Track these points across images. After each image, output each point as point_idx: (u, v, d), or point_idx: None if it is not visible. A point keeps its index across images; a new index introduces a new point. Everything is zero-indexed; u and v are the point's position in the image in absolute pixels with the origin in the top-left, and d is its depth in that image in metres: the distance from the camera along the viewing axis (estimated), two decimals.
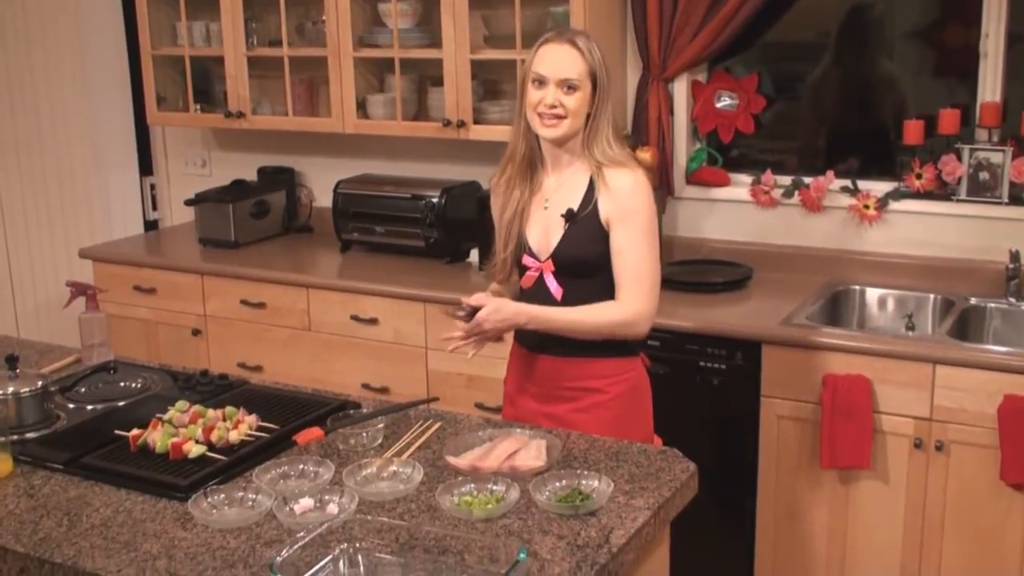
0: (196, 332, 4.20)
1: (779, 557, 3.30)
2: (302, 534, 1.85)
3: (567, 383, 2.52)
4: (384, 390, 3.83)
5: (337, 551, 1.84)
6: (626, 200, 2.44)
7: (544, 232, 2.52)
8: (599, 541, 1.90)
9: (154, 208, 5.08)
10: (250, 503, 2.06)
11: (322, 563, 1.80)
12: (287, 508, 2.00)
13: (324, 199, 4.53)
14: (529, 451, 2.22)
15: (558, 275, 2.50)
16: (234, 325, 4.13)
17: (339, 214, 4.23)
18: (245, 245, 4.39)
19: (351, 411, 2.45)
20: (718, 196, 3.92)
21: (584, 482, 2.09)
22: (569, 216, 2.48)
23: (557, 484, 2.09)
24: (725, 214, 3.91)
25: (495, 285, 2.67)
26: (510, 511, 2.00)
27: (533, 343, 2.58)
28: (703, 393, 3.28)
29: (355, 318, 3.85)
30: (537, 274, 2.52)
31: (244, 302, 4.08)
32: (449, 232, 4.01)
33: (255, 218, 4.46)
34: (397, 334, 3.79)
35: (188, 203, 4.47)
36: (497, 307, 2.44)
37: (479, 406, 3.57)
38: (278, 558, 1.75)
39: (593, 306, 2.47)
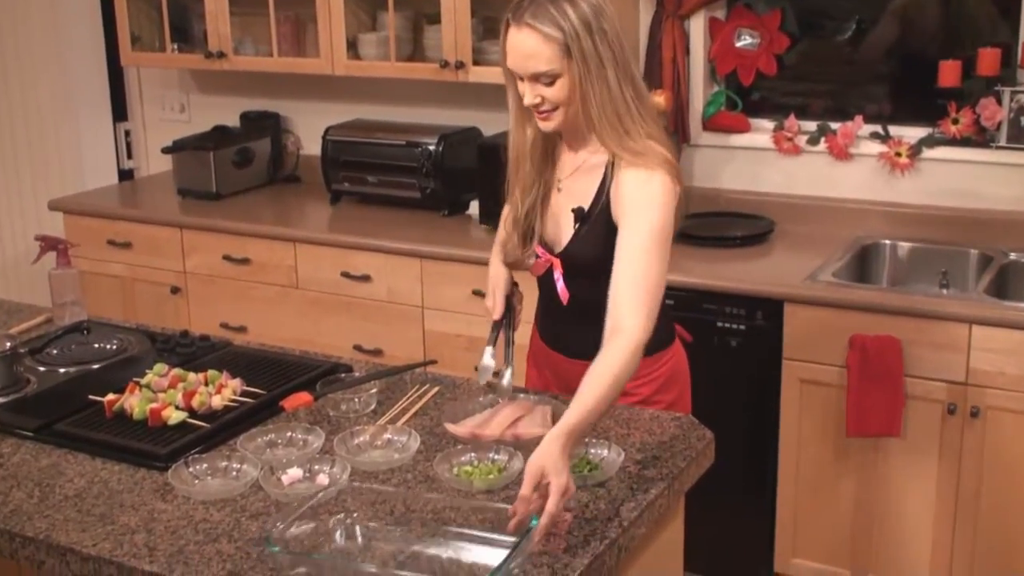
0: (175, 290, 4.20)
1: (801, 532, 3.32)
2: (296, 504, 1.85)
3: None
4: (377, 352, 3.84)
5: (333, 522, 1.85)
6: (635, 197, 2.19)
7: (555, 222, 2.38)
8: (609, 514, 1.91)
9: (129, 156, 5.06)
10: (234, 473, 2.06)
11: (319, 534, 1.82)
12: (274, 478, 2.01)
13: (312, 146, 4.51)
14: (533, 418, 2.22)
15: (566, 276, 2.36)
16: (216, 282, 4.13)
17: (328, 163, 4.22)
18: (227, 196, 4.38)
19: (342, 375, 2.45)
20: (737, 143, 3.90)
21: (592, 451, 2.10)
22: (580, 215, 2.31)
23: None
24: (745, 163, 3.89)
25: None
26: (513, 482, 2.01)
27: (546, 334, 2.50)
28: (720, 356, 3.28)
29: (346, 275, 3.85)
30: (547, 266, 2.40)
31: (227, 258, 4.07)
32: (447, 182, 4.00)
33: (238, 167, 4.44)
34: (391, 292, 3.78)
35: (165, 151, 4.46)
36: (545, 464, 1.84)
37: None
38: (275, 530, 1.76)
39: (607, 364, 2.03)
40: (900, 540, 3.20)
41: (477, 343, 3.61)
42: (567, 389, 2.36)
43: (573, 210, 2.32)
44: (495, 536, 1.80)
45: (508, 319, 2.44)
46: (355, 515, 1.87)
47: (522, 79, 2.22)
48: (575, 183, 2.34)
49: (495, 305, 2.44)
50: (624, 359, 2.05)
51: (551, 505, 1.80)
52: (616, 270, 2.14)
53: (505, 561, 1.68)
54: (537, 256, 2.41)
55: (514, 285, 2.49)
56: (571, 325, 2.41)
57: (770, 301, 3.20)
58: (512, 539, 1.75)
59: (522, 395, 2.34)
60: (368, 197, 4.20)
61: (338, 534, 1.85)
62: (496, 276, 2.49)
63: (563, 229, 2.36)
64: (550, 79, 2.19)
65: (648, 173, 2.20)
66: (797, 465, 3.27)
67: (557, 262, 2.37)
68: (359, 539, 1.86)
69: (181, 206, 4.34)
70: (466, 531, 1.83)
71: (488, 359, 2.35)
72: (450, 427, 2.20)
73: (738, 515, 3.38)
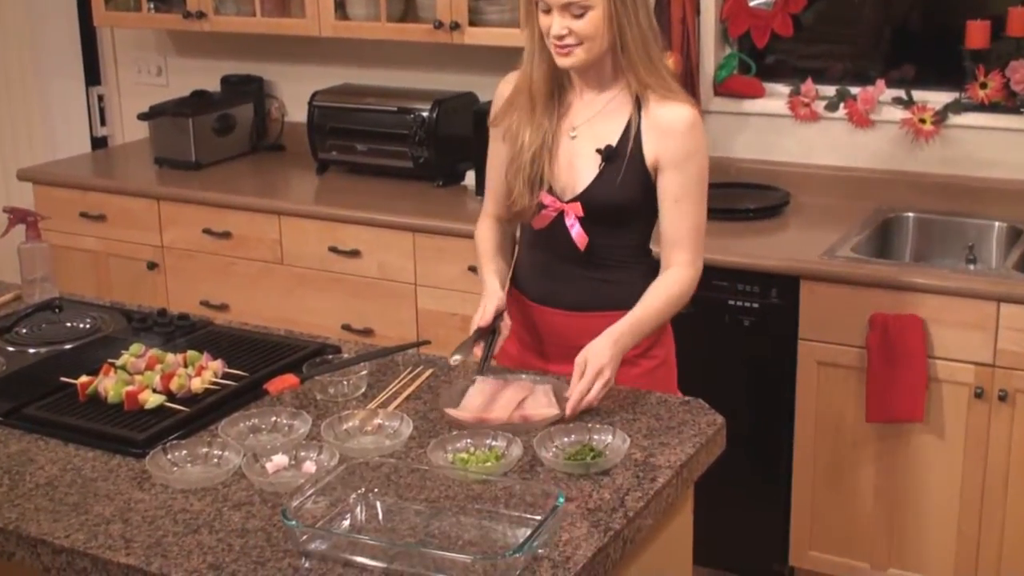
0: (152, 266, 4.20)
1: (818, 522, 3.33)
2: (309, 480, 1.91)
3: (587, 341, 2.31)
4: (367, 332, 3.84)
5: (353, 497, 1.89)
6: (684, 141, 2.35)
7: (568, 166, 2.42)
8: (613, 504, 1.91)
9: (102, 123, 5.05)
10: (215, 460, 2.07)
11: (337, 510, 1.87)
12: (258, 466, 2.01)
13: (298, 113, 4.49)
14: (537, 398, 2.23)
15: (586, 221, 2.40)
16: (195, 258, 4.12)
17: (315, 130, 4.21)
18: (207, 166, 4.37)
19: (330, 356, 2.45)
20: (751, 109, 3.89)
21: (596, 437, 2.10)
22: (608, 154, 2.38)
23: (565, 439, 2.10)
24: (759, 130, 3.89)
25: (498, 291, 2.46)
26: (511, 469, 2.01)
27: (533, 290, 2.52)
28: (732, 335, 3.29)
29: (334, 250, 3.85)
30: (555, 215, 2.42)
31: (207, 231, 4.07)
32: (441, 151, 3.99)
33: (218, 135, 4.43)
34: (382, 268, 3.78)
35: (141, 117, 4.44)
36: (591, 352, 2.24)
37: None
38: (293, 504, 1.81)
39: (664, 283, 2.39)
40: (923, 532, 3.21)
41: (470, 321, 3.62)
42: (561, 347, 2.44)
43: (599, 150, 2.38)
44: (518, 514, 1.83)
45: (491, 339, 2.39)
46: (375, 490, 1.91)
47: (548, 10, 2.31)
48: (594, 128, 2.41)
49: (483, 315, 2.39)
50: (681, 287, 2.38)
51: (582, 383, 2.18)
52: (672, 212, 2.37)
53: (529, 539, 1.71)
54: (544, 206, 2.42)
55: (499, 316, 2.42)
56: (576, 276, 2.45)
57: (785, 278, 3.20)
58: (537, 517, 1.79)
59: (524, 376, 2.34)
60: (357, 167, 4.19)
61: (358, 509, 1.89)
62: (492, 294, 2.44)
63: (581, 173, 2.41)
64: (582, 10, 2.29)
65: (685, 104, 2.36)
66: (813, 452, 3.28)
67: (576, 207, 2.40)
68: (379, 515, 1.89)
69: (158, 176, 4.33)
70: (489, 508, 1.86)
71: (456, 359, 2.32)
72: (451, 412, 2.21)
73: (751, 505, 3.39)
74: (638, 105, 2.37)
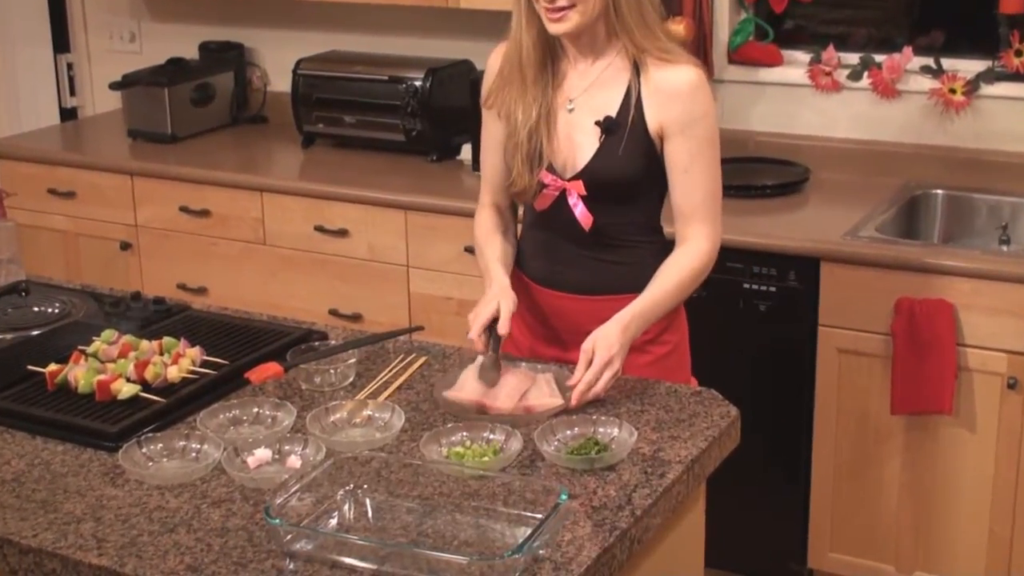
0: (125, 246, 4.20)
1: (839, 520, 3.33)
2: (294, 476, 1.90)
3: (595, 327, 2.32)
4: (356, 317, 3.84)
5: (340, 494, 1.90)
6: (688, 104, 2.34)
7: (567, 142, 2.42)
8: (620, 501, 1.91)
9: (72, 93, 5.04)
10: (193, 454, 2.07)
11: (324, 507, 1.88)
12: (239, 460, 2.02)
13: (281, 82, 4.49)
14: (540, 388, 2.24)
15: (589, 199, 2.39)
16: (172, 237, 4.12)
17: (300, 101, 4.20)
18: (184, 139, 4.36)
19: (316, 343, 2.45)
20: (768, 78, 3.88)
21: (601, 430, 2.11)
22: (608, 126, 2.37)
23: (568, 432, 2.10)
24: (776, 101, 3.88)
25: (503, 279, 2.43)
26: (510, 464, 2.02)
27: (537, 272, 2.52)
28: (748, 321, 3.29)
29: (320, 229, 3.85)
30: (556, 194, 2.42)
31: (184, 209, 4.06)
32: (436, 123, 3.98)
33: (196, 105, 4.43)
34: (372, 249, 3.78)
35: (114, 87, 4.44)
36: (599, 339, 2.25)
37: (473, 344, 3.57)
38: (276, 501, 1.81)
39: (678, 260, 2.39)
40: (952, 533, 3.22)
41: (468, 307, 3.61)
42: (569, 332, 2.45)
43: (598, 122, 2.38)
44: (518, 512, 1.84)
45: (497, 339, 2.33)
46: (364, 486, 1.92)
47: None
48: (592, 99, 2.40)
49: (503, 321, 2.33)
50: (697, 262, 2.39)
51: (588, 373, 2.20)
52: (683, 182, 2.37)
53: (529, 539, 1.71)
54: (545, 186, 2.42)
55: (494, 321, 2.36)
56: (582, 257, 2.45)
57: (805, 259, 3.20)
58: (538, 516, 1.79)
59: (524, 364, 2.35)
60: (345, 140, 4.19)
61: (346, 507, 1.89)
62: (504, 291, 2.39)
63: (581, 148, 2.41)
64: None
65: (686, 66, 2.35)
66: (834, 447, 3.29)
67: (577, 184, 2.39)
68: (369, 513, 1.90)
69: (132, 150, 4.32)
70: (486, 505, 1.87)
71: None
72: (450, 394, 2.21)
73: (767, 503, 3.39)
74: (636, 71, 2.37)
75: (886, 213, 3.40)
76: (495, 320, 2.32)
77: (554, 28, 2.33)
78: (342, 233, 3.82)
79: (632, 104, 2.37)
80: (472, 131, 3.84)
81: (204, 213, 4.04)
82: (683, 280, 2.39)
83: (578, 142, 2.41)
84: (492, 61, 2.51)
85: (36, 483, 2.00)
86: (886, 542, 3.29)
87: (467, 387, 2.24)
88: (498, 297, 2.36)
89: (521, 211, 2.61)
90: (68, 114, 5.03)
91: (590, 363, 2.22)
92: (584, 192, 2.39)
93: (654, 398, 2.26)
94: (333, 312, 3.86)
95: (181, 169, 4.07)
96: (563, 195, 2.42)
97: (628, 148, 2.37)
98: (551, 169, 2.42)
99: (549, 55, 2.43)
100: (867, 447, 3.25)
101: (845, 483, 3.30)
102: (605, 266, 2.45)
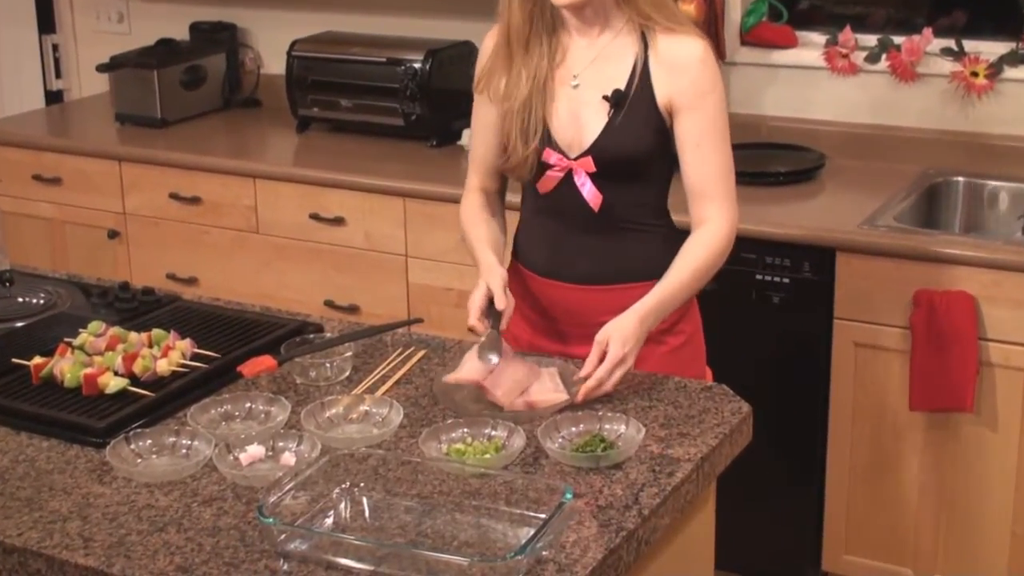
0: (113, 234, 4.20)
1: (855, 522, 3.34)
2: (288, 474, 1.91)
3: (604, 318, 2.32)
4: (353, 309, 3.84)
5: (336, 492, 1.90)
6: (697, 78, 2.35)
7: (573, 119, 2.41)
8: (626, 501, 1.92)
9: (58, 75, 5.04)
10: (184, 451, 2.07)
11: (320, 506, 1.88)
12: (231, 457, 2.02)
13: (275, 64, 4.49)
14: (542, 383, 2.24)
15: (597, 178, 2.39)
16: (161, 226, 4.12)
17: (294, 84, 4.20)
18: (174, 123, 4.37)
19: (311, 335, 2.45)
20: (782, 60, 3.88)
21: (607, 426, 2.11)
22: (617, 99, 2.37)
23: (573, 429, 2.10)
24: (791, 84, 3.88)
25: (496, 265, 2.40)
26: (513, 462, 2.02)
27: (540, 263, 2.51)
28: (760, 314, 3.29)
29: (315, 217, 3.85)
30: (562, 174, 2.41)
31: (174, 196, 4.07)
32: (435, 107, 3.98)
33: (187, 88, 4.43)
34: (369, 238, 3.78)
35: (101, 69, 4.44)
36: (614, 332, 2.24)
37: (472, 329, 3.57)
38: (270, 499, 1.81)
39: (695, 246, 2.38)
40: (973, 534, 3.22)
41: (467, 297, 3.62)
42: (574, 324, 2.45)
43: (606, 96, 2.38)
44: (520, 511, 1.84)
45: (498, 319, 2.33)
46: (361, 485, 1.92)
47: None
48: (597, 73, 2.40)
49: (499, 297, 2.33)
50: (716, 245, 2.38)
51: (600, 369, 2.20)
52: (695, 158, 2.38)
53: (532, 539, 1.71)
54: (549, 166, 2.41)
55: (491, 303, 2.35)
56: (588, 245, 2.44)
57: (820, 250, 3.20)
58: (541, 516, 1.79)
59: (528, 357, 2.35)
60: (341, 124, 4.19)
61: (342, 506, 1.90)
62: (493, 269, 2.39)
63: (587, 125, 2.40)
64: None
65: (693, 37, 2.37)
66: (850, 445, 3.29)
67: (586, 162, 2.39)
68: (366, 512, 1.90)
69: (120, 134, 4.32)
70: (487, 504, 1.87)
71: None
72: (450, 376, 2.24)
73: (780, 503, 3.40)
74: (644, 43, 2.38)
75: (905, 201, 3.40)
76: (492, 301, 2.32)
77: (557, 0, 2.34)
78: (338, 221, 3.82)
79: (640, 77, 2.37)
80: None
81: (195, 200, 4.04)
82: (701, 267, 2.38)
83: (584, 119, 2.40)
84: (486, 44, 2.52)
85: (20, 480, 2.01)
86: (904, 544, 3.29)
87: (467, 367, 2.25)
88: (486, 276, 2.36)
89: (516, 197, 2.60)
90: (54, 97, 5.03)
91: (602, 356, 2.22)
92: (593, 169, 2.39)
93: (663, 393, 2.26)
94: (329, 303, 3.87)
95: (171, 154, 4.07)
96: (569, 176, 2.41)
97: (638, 122, 2.37)
98: (556, 148, 2.42)
99: (544, 29, 2.42)
100: (884, 445, 3.25)
101: (861, 483, 3.30)
102: (613, 253, 2.45)
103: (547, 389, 2.22)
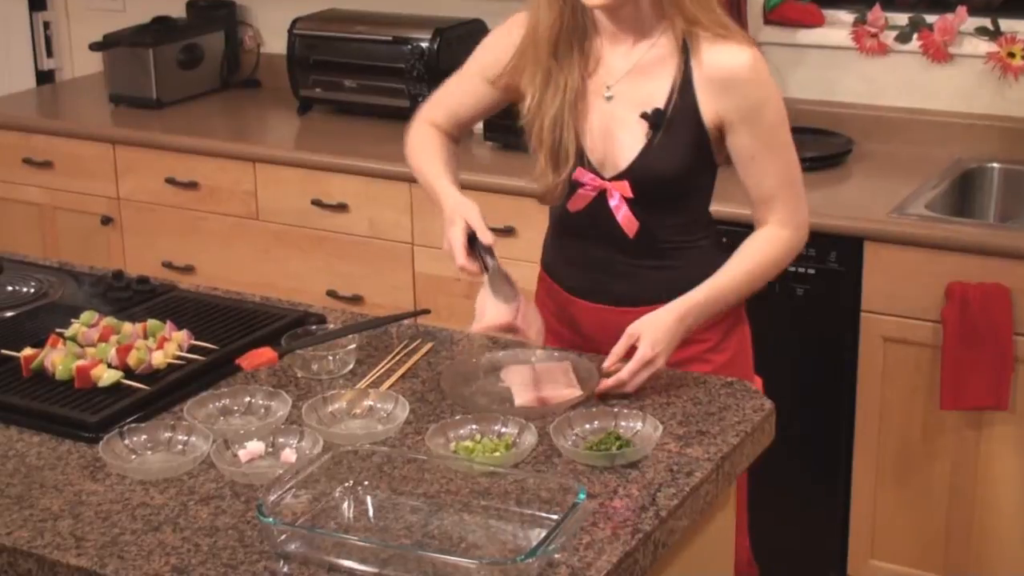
0: (107, 220, 4.21)
1: (882, 525, 3.33)
2: (288, 471, 1.90)
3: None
4: (356, 299, 3.85)
5: (339, 491, 1.91)
6: (748, 92, 2.26)
7: (606, 135, 2.32)
8: (643, 502, 1.92)
9: (49, 54, 5.05)
10: (180, 447, 2.08)
11: (322, 505, 1.88)
12: (229, 454, 2.02)
13: (275, 43, 4.49)
14: (555, 378, 2.24)
15: (634, 203, 2.30)
16: (157, 212, 4.13)
17: (296, 63, 4.20)
18: (170, 104, 4.37)
19: (313, 327, 2.46)
20: (808, 40, 3.87)
21: (623, 423, 2.11)
22: (657, 119, 2.27)
23: (587, 426, 2.11)
24: (817, 65, 3.87)
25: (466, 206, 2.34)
26: (524, 460, 2.02)
27: (572, 283, 2.44)
28: (784, 307, 3.29)
29: (317, 203, 3.85)
30: (594, 194, 2.33)
31: (170, 181, 4.07)
32: None
33: (184, 68, 4.43)
34: (373, 225, 3.79)
35: (94, 47, 4.44)
36: (646, 329, 2.20)
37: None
38: (270, 498, 1.81)
39: (754, 243, 2.34)
40: (1005, 539, 3.22)
41: (478, 290, 3.62)
42: (609, 343, 2.32)
43: (645, 115, 2.29)
44: (531, 512, 1.84)
45: (483, 250, 2.30)
46: (365, 483, 1.92)
47: None
48: (634, 86, 2.31)
49: (482, 232, 2.29)
50: (777, 248, 2.34)
51: (624, 370, 2.17)
52: (752, 171, 2.31)
53: (544, 542, 1.71)
54: (581, 185, 2.33)
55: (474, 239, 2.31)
56: (623, 265, 2.38)
57: (847, 239, 3.19)
58: (554, 516, 1.79)
59: (539, 351, 2.35)
60: (345, 106, 4.19)
61: (345, 505, 1.90)
62: (464, 204, 2.33)
63: (622, 144, 2.32)
64: None
65: (740, 44, 2.26)
66: (877, 444, 3.29)
67: (622, 186, 2.31)
68: (370, 511, 1.90)
69: (114, 116, 4.33)
70: (497, 504, 1.87)
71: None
72: (478, 327, 2.25)
73: (803, 505, 3.40)
74: (685, 52, 2.27)
75: (936, 189, 3.39)
76: (473, 237, 2.26)
77: (590, 1, 2.24)
78: (341, 208, 3.82)
79: (683, 93, 2.28)
80: None
81: (192, 185, 4.04)
82: (756, 268, 2.33)
83: (619, 137, 2.32)
84: (511, 31, 2.41)
85: (10, 477, 2.01)
86: (933, 549, 3.29)
87: (490, 313, 2.21)
88: (459, 210, 2.29)
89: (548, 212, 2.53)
90: (45, 77, 5.04)
91: (630, 352, 2.19)
92: (630, 195, 2.30)
93: (681, 389, 2.26)
94: (331, 293, 3.87)
95: (167, 137, 4.08)
96: (602, 195, 2.33)
97: (680, 142, 2.29)
98: (588, 166, 2.33)
99: (574, 35, 2.32)
100: (913, 445, 3.25)
101: (889, 484, 3.30)
102: (652, 274, 2.37)
103: (559, 384, 2.22)
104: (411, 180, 3.65)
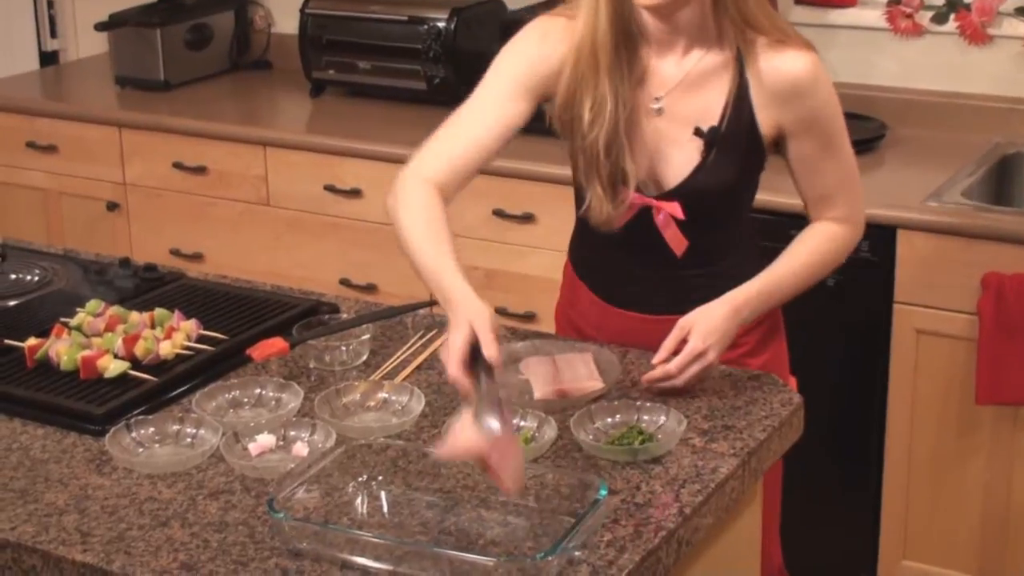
0: (113, 206, 4.22)
1: (915, 524, 3.33)
2: (300, 465, 1.91)
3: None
4: (370, 288, 3.85)
5: (353, 485, 1.91)
6: (810, 101, 2.23)
7: (651, 150, 2.26)
8: (666, 499, 1.92)
9: (53, 35, 5.05)
10: (188, 440, 2.09)
11: (334, 501, 1.89)
12: (239, 447, 2.03)
13: (287, 23, 4.50)
14: (575, 369, 2.24)
15: (684, 223, 2.26)
16: (164, 197, 4.14)
17: (308, 44, 4.21)
18: (179, 86, 4.38)
19: (325, 316, 2.46)
20: (840, 21, 3.86)
21: (646, 417, 2.11)
22: (712, 137, 2.22)
23: (608, 420, 2.11)
24: (849, 47, 3.86)
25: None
26: (543, 455, 2.03)
27: (610, 293, 2.41)
28: (814, 297, 3.25)
29: (330, 189, 3.86)
30: (636, 211, 2.27)
31: (178, 166, 4.08)
32: (460, 69, 3.98)
33: (192, 49, 4.44)
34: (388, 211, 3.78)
35: (100, 28, 4.45)
36: (699, 320, 2.18)
37: (500, 311, 3.59)
38: (281, 493, 1.82)
39: (811, 236, 2.34)
40: None
41: (498, 277, 3.63)
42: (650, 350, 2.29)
43: (699, 132, 2.23)
44: (551, 508, 1.85)
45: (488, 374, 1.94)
46: (379, 478, 1.93)
47: None
48: (686, 99, 2.25)
49: (489, 348, 1.92)
50: (830, 245, 2.34)
51: (672, 363, 2.15)
52: (808, 175, 2.31)
53: (563, 539, 1.72)
54: (622, 201, 2.25)
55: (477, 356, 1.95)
56: (666, 277, 2.35)
57: (879, 228, 3.18)
58: (571, 519, 1.79)
59: (562, 342, 2.35)
60: (359, 88, 4.19)
61: (358, 500, 1.91)
62: (480, 312, 1.95)
63: (671, 162, 2.26)
64: None
65: (799, 50, 2.22)
66: (910, 440, 3.28)
67: (673, 207, 2.26)
68: (384, 507, 1.91)
69: (120, 99, 4.34)
70: (515, 500, 1.87)
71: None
72: (444, 451, 1.87)
73: (832, 504, 3.40)
74: (739, 61, 2.23)
75: (973, 175, 3.39)
76: (476, 348, 1.93)
77: (644, 1, 2.15)
78: (355, 193, 3.83)
79: (739, 105, 2.23)
80: None
81: (200, 170, 4.05)
82: (814, 261, 2.33)
83: (668, 154, 2.27)
84: (543, 37, 2.27)
85: (14, 470, 2.02)
86: (967, 549, 3.29)
87: (463, 437, 1.85)
88: (467, 313, 1.96)
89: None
90: (48, 58, 5.04)
91: (678, 341, 2.17)
92: (681, 216, 2.26)
93: (707, 382, 2.25)
94: (345, 282, 3.88)
95: (175, 120, 4.09)
96: (644, 210, 2.28)
97: (734, 158, 2.26)
98: (631, 183, 2.25)
99: (625, 40, 2.21)
100: (948, 441, 3.25)
101: (922, 482, 3.30)
102: (696, 281, 2.33)
103: (580, 376, 2.22)
104: None
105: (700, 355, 2.17)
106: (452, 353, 1.91)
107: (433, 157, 2.27)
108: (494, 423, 1.83)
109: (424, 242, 2.14)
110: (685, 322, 2.19)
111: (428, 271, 2.10)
